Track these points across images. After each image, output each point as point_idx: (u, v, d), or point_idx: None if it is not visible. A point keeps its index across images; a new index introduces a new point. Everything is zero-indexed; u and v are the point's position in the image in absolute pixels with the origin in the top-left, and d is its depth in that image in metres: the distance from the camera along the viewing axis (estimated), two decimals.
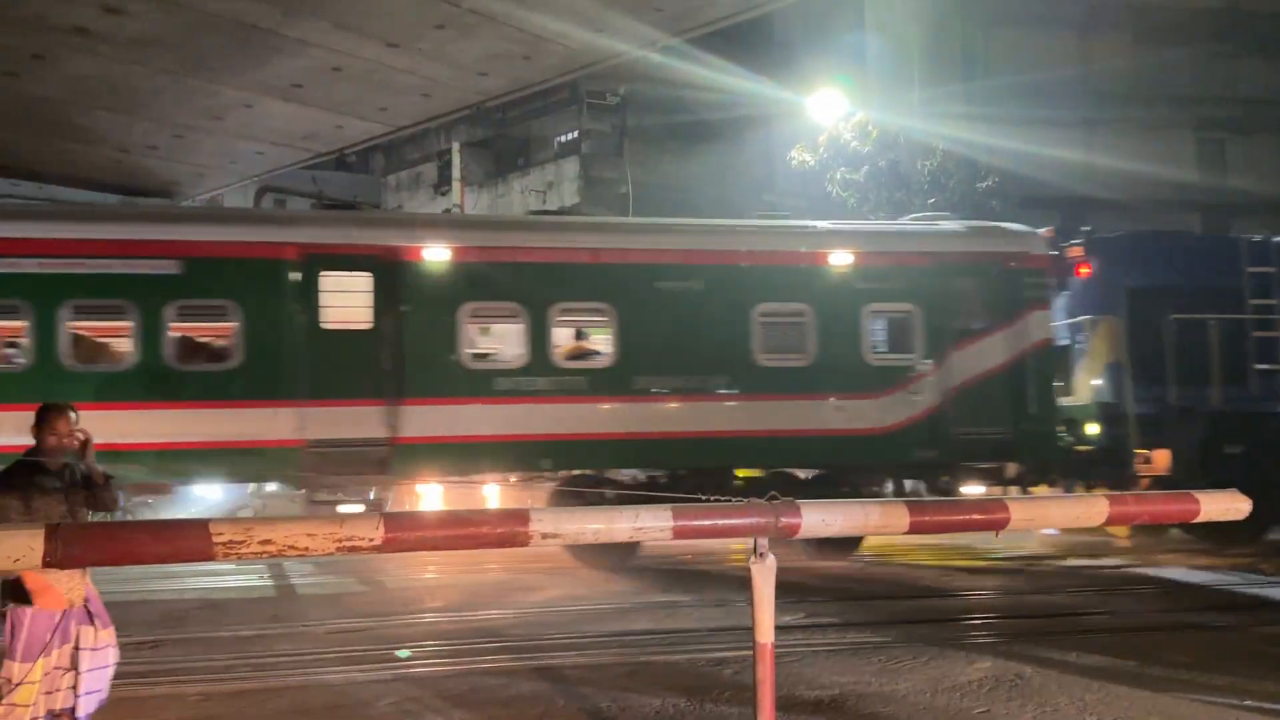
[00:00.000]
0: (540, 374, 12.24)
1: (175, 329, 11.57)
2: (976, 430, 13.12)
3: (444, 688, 6.97)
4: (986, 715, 6.34)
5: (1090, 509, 5.26)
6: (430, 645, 8.48)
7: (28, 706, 4.79)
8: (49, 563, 3.82)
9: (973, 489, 13.36)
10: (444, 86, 17.46)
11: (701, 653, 7.94)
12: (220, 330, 11.91)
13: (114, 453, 11.11)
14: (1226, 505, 5.49)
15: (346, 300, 11.89)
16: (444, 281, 12.23)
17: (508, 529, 4.27)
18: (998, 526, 5.08)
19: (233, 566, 12.70)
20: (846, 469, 13.07)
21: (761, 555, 4.60)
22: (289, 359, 11.62)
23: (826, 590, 10.86)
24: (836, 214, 19.91)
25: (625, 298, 12.55)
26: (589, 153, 29.37)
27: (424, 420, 11.86)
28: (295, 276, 11.73)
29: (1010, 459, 13.36)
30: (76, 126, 18.58)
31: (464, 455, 12.20)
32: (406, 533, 4.16)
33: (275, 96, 17.56)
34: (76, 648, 4.96)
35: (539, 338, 12.30)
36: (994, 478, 13.49)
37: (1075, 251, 14.24)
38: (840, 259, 13.25)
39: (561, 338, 12.82)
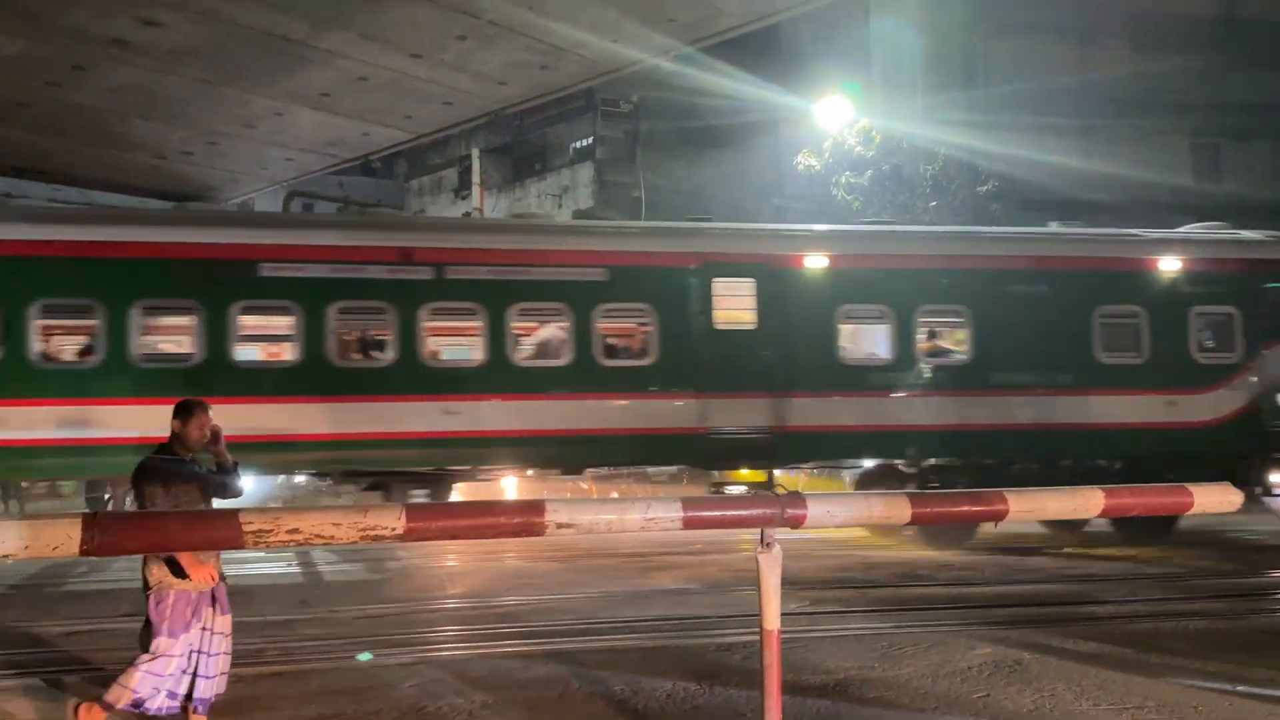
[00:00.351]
0: (903, 370, 13.47)
1: (602, 329, 12.88)
2: None
3: (465, 670, 7.11)
4: (986, 700, 6.39)
5: (1087, 501, 5.30)
6: (452, 630, 8.69)
7: (163, 678, 5.14)
8: (86, 551, 3.69)
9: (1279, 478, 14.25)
10: (465, 95, 18.09)
11: (711, 638, 8.06)
12: (638, 329, 13.26)
13: (549, 439, 12.54)
14: (1218, 498, 5.44)
15: (734, 303, 13.16)
16: (818, 285, 13.46)
17: (524, 519, 4.38)
18: (996, 518, 5.17)
19: (262, 554, 13.02)
20: (1171, 460, 13.66)
21: (768, 545, 4.56)
22: (691, 355, 12.91)
23: (829, 580, 11.12)
24: (841, 218, 20.40)
25: (981, 300, 13.71)
26: (603, 158, 29.83)
27: (803, 411, 13.02)
28: (695, 282, 13.04)
29: None
30: (115, 134, 19.24)
31: (837, 444, 13.52)
32: (427, 522, 4.19)
33: (304, 105, 18.20)
34: (205, 629, 5.25)
35: (903, 336, 13.48)
36: None
37: None
38: (1170, 264, 14.45)
39: (923, 337, 13.80)
